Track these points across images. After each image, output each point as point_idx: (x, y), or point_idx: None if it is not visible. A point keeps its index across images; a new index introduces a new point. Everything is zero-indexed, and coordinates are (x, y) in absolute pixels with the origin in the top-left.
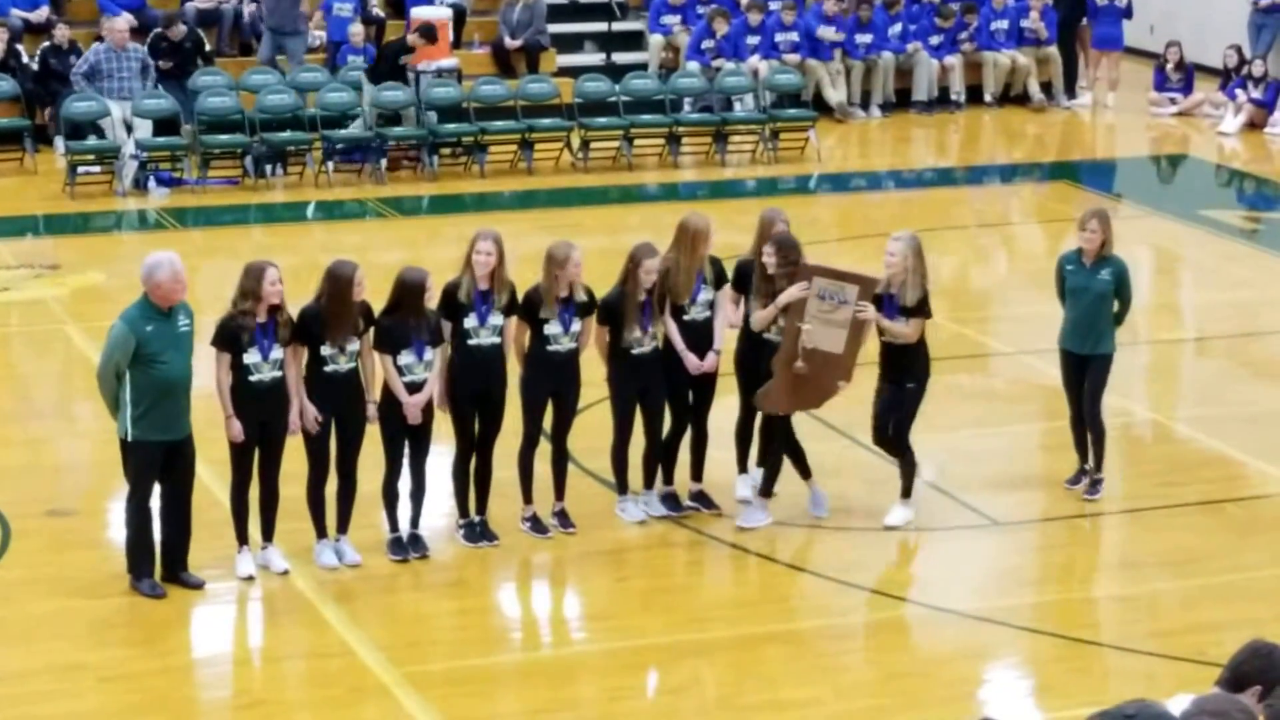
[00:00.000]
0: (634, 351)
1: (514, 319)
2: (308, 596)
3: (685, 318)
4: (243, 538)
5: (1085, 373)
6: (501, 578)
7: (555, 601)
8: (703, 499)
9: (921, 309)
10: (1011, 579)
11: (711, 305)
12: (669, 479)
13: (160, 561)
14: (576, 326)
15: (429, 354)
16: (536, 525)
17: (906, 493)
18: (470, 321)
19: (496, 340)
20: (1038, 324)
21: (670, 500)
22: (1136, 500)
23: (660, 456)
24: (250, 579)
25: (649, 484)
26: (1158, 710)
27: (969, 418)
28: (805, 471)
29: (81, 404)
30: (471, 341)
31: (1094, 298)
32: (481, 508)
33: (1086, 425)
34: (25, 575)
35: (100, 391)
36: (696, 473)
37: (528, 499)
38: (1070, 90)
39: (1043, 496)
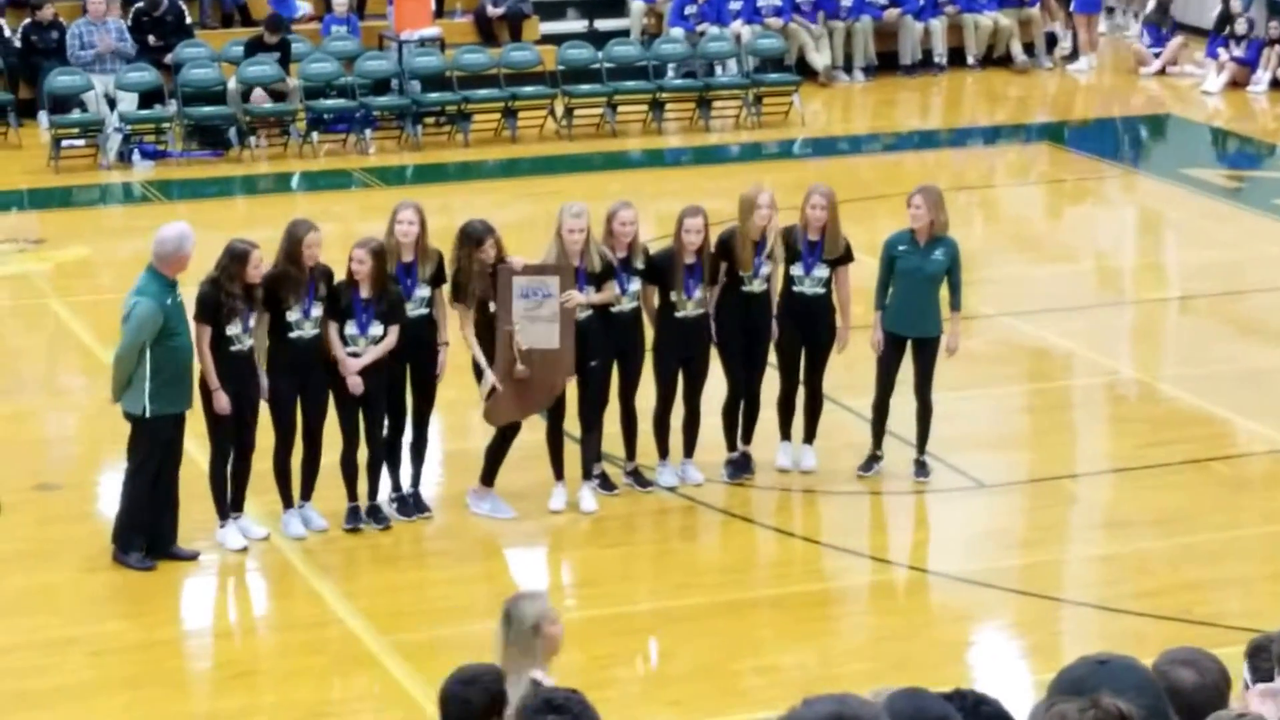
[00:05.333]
0: (678, 315)
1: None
2: (296, 567)
3: (744, 289)
4: (223, 512)
5: (911, 356)
6: (489, 547)
7: (543, 569)
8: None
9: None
10: (998, 541)
11: (768, 280)
12: (732, 445)
13: (152, 538)
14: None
15: (376, 329)
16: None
17: (586, 474)
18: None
19: (424, 312)
20: (1021, 285)
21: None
22: (1122, 460)
23: (697, 423)
24: (244, 550)
25: (689, 452)
26: (1128, 660)
27: (953, 379)
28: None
29: (67, 378)
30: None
31: (925, 279)
32: (416, 480)
33: (917, 406)
34: (13, 550)
35: (116, 371)
36: (746, 437)
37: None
38: (1051, 51)
39: (1028, 458)
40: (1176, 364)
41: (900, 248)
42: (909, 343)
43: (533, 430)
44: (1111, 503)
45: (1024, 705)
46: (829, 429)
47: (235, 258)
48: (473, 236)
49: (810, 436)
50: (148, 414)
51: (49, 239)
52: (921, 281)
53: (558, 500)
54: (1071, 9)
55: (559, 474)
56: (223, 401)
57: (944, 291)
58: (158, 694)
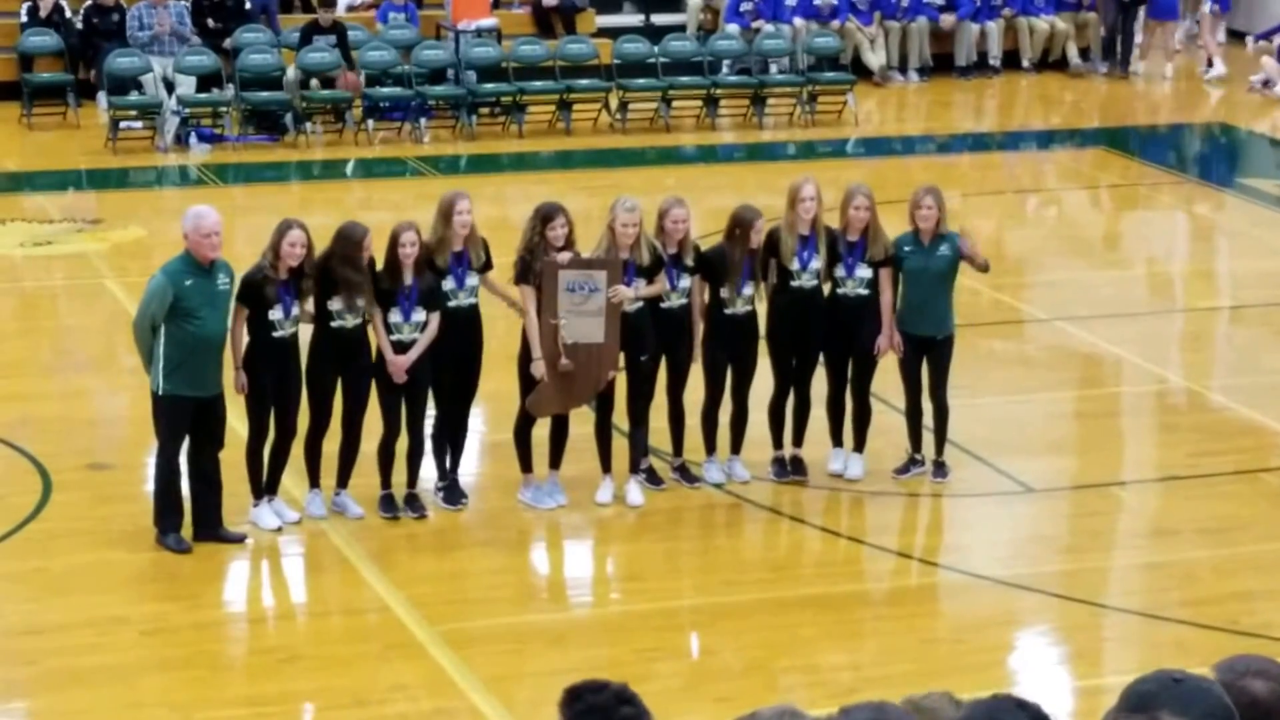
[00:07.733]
0: (728, 311)
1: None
2: (344, 553)
3: (793, 284)
4: (258, 492)
5: (927, 357)
6: (537, 538)
7: (590, 562)
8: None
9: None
10: (1045, 545)
11: (819, 275)
12: (778, 443)
13: (196, 520)
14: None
15: (419, 315)
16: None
17: (633, 467)
18: (448, 284)
19: (474, 301)
20: (1074, 290)
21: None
22: (1171, 469)
23: (745, 420)
24: (279, 530)
25: (736, 449)
26: (1205, 682)
27: (1004, 383)
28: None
29: (121, 358)
30: (451, 304)
31: (933, 277)
32: (454, 467)
33: (932, 407)
34: (65, 528)
35: (135, 343)
36: (797, 439)
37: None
38: (1125, 60)
39: (1077, 463)
40: (1227, 373)
41: (906, 249)
42: (923, 342)
43: (581, 423)
44: (1159, 511)
45: (1065, 710)
46: (877, 430)
47: (276, 230)
48: (543, 213)
49: (859, 445)
50: (160, 392)
51: (106, 219)
52: (929, 281)
53: (605, 493)
54: (1147, 15)
55: (606, 467)
56: (241, 381)
57: (957, 289)
58: (205, 676)
